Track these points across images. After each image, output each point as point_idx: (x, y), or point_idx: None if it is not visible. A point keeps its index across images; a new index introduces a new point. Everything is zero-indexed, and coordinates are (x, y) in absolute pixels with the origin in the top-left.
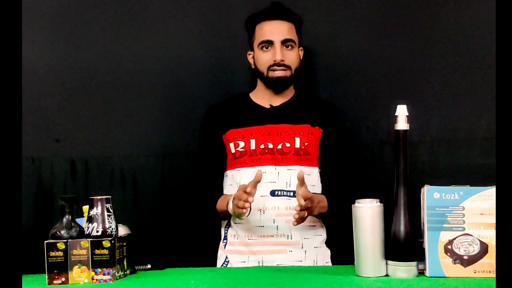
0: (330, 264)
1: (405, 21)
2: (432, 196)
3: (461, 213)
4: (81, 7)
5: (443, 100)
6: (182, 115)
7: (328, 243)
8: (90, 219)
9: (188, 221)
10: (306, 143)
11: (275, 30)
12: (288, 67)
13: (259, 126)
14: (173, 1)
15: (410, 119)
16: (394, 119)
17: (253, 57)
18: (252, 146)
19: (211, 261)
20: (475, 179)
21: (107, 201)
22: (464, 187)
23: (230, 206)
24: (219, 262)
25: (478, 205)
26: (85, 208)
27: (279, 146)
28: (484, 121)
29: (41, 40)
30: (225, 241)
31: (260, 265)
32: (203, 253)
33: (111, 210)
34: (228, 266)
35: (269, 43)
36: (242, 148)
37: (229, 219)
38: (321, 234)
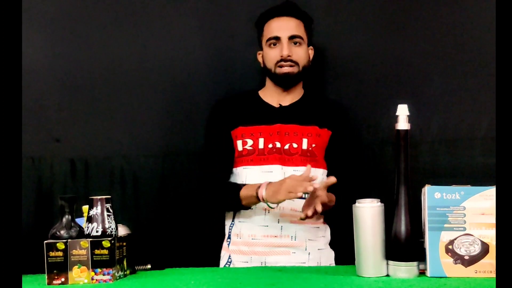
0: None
1: (406, 21)
2: (433, 196)
3: (462, 213)
4: (81, 7)
5: (444, 99)
6: (182, 115)
7: (332, 245)
8: (90, 219)
9: (191, 220)
10: (313, 145)
11: (282, 26)
12: (296, 63)
13: (268, 125)
14: (173, 1)
15: (411, 118)
16: (395, 118)
17: (262, 56)
18: (261, 145)
19: (215, 261)
20: (476, 178)
21: (107, 201)
22: (465, 187)
23: (263, 193)
24: (222, 262)
25: (479, 205)
26: (85, 208)
27: (286, 146)
28: (485, 121)
29: (41, 39)
30: (228, 240)
31: (263, 266)
32: (206, 252)
33: (111, 210)
34: (231, 266)
35: (276, 39)
36: (250, 146)
37: (234, 217)
38: (324, 236)
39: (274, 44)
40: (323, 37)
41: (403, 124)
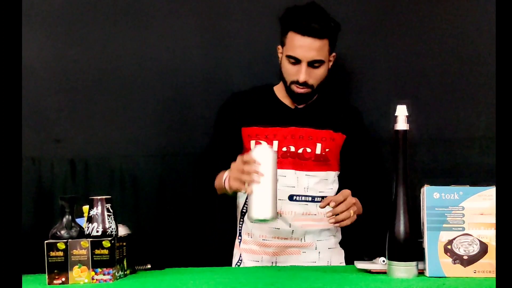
0: (344, 264)
1: (405, 21)
2: (431, 196)
3: (461, 213)
4: (80, 8)
5: (443, 100)
6: (181, 116)
7: (342, 244)
8: (90, 219)
9: (204, 219)
10: (327, 149)
11: (304, 48)
12: (311, 86)
13: (283, 127)
14: (172, 2)
15: (409, 118)
16: (393, 119)
17: (281, 57)
18: (275, 148)
19: (227, 260)
20: (475, 179)
21: (107, 201)
22: (464, 187)
23: (226, 184)
24: (234, 261)
25: (478, 205)
26: (85, 208)
27: (300, 151)
28: (484, 121)
29: (41, 40)
30: (239, 238)
31: (274, 265)
32: (219, 251)
33: (111, 210)
34: (242, 265)
35: (296, 60)
36: None
37: (242, 215)
38: (335, 235)
39: (294, 63)
40: None
41: (401, 124)
